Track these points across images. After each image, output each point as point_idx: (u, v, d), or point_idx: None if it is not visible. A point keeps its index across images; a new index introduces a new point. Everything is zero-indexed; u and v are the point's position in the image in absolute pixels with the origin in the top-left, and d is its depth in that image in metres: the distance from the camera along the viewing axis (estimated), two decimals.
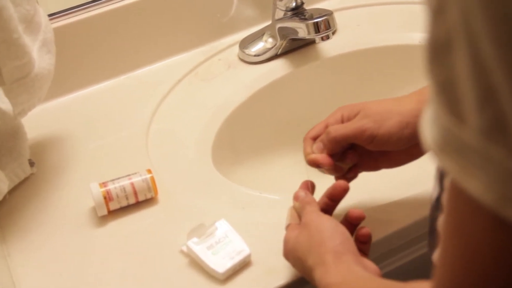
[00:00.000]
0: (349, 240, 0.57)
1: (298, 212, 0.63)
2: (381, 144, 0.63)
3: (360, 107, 0.64)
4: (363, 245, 0.61)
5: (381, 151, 0.65)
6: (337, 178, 0.67)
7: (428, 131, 0.30)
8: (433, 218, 0.50)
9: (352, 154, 0.65)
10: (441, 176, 0.47)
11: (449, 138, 0.29)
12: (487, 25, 0.26)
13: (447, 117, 0.29)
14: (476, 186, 0.28)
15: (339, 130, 0.64)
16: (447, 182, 0.44)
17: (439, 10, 0.28)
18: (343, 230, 0.58)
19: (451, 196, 0.32)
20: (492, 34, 0.26)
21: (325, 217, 0.59)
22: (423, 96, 0.63)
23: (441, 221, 0.47)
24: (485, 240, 0.30)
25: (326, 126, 0.66)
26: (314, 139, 0.66)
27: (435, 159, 0.30)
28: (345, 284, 0.53)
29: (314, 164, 0.64)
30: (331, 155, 0.64)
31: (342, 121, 0.65)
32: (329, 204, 0.64)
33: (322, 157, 0.64)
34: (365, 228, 0.61)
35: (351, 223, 0.62)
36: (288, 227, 0.62)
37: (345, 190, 0.62)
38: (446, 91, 0.29)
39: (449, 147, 0.29)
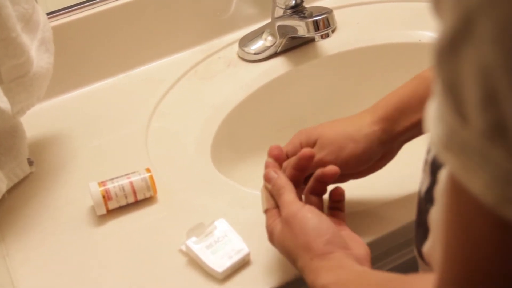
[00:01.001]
0: (335, 234, 0.57)
1: (274, 196, 0.62)
2: (342, 170, 0.63)
3: (316, 134, 0.65)
4: (338, 203, 0.63)
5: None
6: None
7: (432, 128, 0.31)
8: (422, 210, 0.50)
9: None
10: (432, 168, 0.47)
11: (453, 137, 0.29)
12: (492, 29, 0.26)
13: (451, 116, 0.29)
14: (477, 185, 0.29)
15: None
16: (442, 176, 0.44)
17: (445, 8, 0.28)
18: (328, 225, 0.57)
19: (452, 194, 0.32)
20: (497, 39, 0.26)
21: (306, 209, 0.58)
22: (377, 115, 0.64)
23: (433, 213, 0.47)
24: (486, 238, 0.30)
25: (286, 154, 0.66)
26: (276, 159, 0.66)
27: (439, 156, 0.31)
28: (340, 283, 0.53)
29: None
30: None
31: (301, 147, 0.66)
32: (297, 175, 0.63)
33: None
34: (338, 187, 0.63)
35: (323, 181, 0.62)
36: (266, 212, 0.62)
37: (311, 157, 0.62)
38: (451, 90, 0.29)
39: (453, 145, 0.29)
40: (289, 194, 0.60)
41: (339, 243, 0.56)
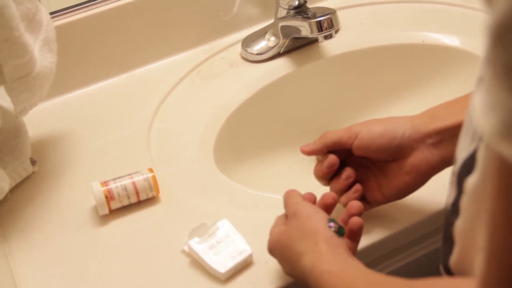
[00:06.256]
0: (341, 236, 0.57)
1: (284, 206, 0.63)
2: (364, 144, 0.63)
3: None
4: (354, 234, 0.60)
5: (381, 171, 0.65)
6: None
7: (483, 119, 0.29)
8: (448, 224, 0.49)
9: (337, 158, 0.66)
10: (459, 179, 0.46)
11: None
12: None
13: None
14: None
15: (330, 131, 0.66)
16: (469, 184, 0.43)
17: None
18: None
19: (507, 187, 0.30)
20: None
21: (314, 207, 0.60)
22: (409, 116, 0.64)
23: (459, 224, 0.46)
24: None
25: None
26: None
27: (492, 148, 0.29)
28: (343, 274, 0.52)
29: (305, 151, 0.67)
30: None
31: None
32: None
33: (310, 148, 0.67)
34: (357, 217, 0.60)
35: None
36: (272, 227, 0.63)
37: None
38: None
39: None
40: (295, 198, 0.61)
41: (343, 244, 0.56)
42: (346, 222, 0.60)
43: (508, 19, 0.27)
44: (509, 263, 0.32)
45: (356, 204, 0.60)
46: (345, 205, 0.65)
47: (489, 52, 0.29)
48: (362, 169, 0.66)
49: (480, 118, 0.30)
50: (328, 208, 0.62)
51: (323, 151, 0.66)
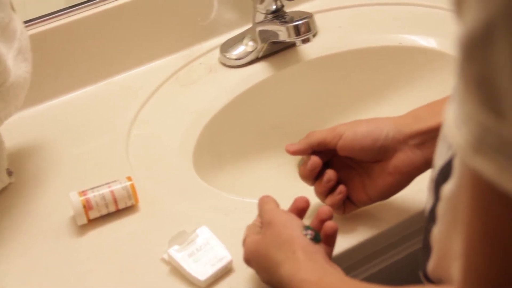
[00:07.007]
0: (318, 243, 0.57)
1: (258, 213, 0.63)
2: (348, 145, 0.64)
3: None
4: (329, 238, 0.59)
5: (365, 171, 0.65)
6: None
7: (456, 132, 0.29)
8: (426, 230, 0.49)
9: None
10: (436, 186, 0.46)
11: (486, 137, 0.28)
12: None
13: (484, 114, 0.27)
14: None
15: (314, 131, 0.66)
16: (445, 192, 0.43)
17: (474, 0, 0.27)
18: None
19: (481, 199, 0.30)
20: None
21: (289, 214, 0.59)
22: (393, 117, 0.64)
23: (435, 232, 0.47)
24: None
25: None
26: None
27: (466, 161, 0.29)
28: (321, 281, 0.52)
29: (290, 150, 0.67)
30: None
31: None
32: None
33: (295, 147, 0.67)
34: (331, 221, 0.59)
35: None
36: (246, 236, 0.62)
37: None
38: (483, 86, 0.27)
39: (486, 146, 0.28)
40: (269, 205, 0.61)
41: (320, 250, 0.56)
42: (317, 227, 0.59)
43: (478, 32, 0.27)
44: (485, 274, 0.32)
45: (326, 209, 0.60)
46: (329, 206, 0.65)
47: (460, 65, 0.28)
48: (347, 169, 0.66)
49: (453, 130, 0.29)
50: (300, 212, 0.62)
51: (307, 151, 0.66)
